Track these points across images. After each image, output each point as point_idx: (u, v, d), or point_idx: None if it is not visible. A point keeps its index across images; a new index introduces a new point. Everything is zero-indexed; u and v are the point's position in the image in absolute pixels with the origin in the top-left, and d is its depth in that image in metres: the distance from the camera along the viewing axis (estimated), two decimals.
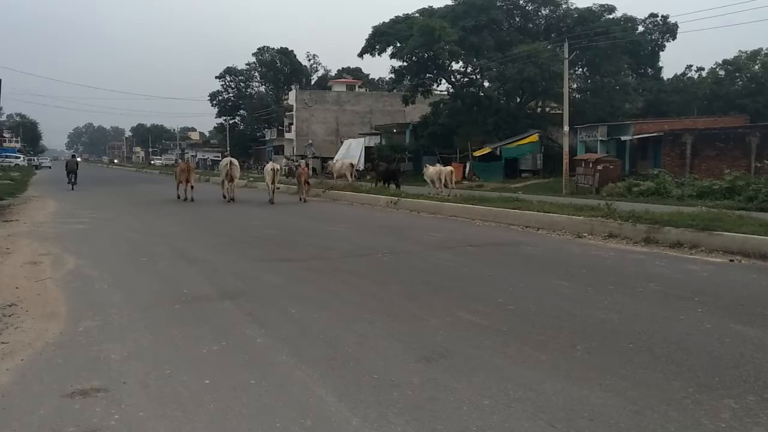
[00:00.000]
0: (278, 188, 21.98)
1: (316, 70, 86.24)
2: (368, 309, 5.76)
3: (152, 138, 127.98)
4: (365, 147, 48.18)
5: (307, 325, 5.24)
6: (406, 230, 12.50)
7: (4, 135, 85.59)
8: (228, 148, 72.87)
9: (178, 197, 21.05)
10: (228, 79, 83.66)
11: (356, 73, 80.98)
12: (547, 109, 44.86)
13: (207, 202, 20.55)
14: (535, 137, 36.57)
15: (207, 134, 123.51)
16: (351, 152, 48.52)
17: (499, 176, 35.98)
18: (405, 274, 7.56)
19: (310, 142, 56.08)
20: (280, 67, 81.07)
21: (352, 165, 30.91)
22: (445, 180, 22.41)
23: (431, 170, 23.63)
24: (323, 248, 9.73)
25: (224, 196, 21.13)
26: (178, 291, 6.54)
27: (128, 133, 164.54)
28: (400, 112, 58.56)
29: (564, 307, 5.85)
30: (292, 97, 70.28)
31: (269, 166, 21.63)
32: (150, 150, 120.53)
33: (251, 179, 31.80)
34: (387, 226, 13.16)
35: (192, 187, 21.01)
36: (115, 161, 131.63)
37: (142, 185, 26.74)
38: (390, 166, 30.20)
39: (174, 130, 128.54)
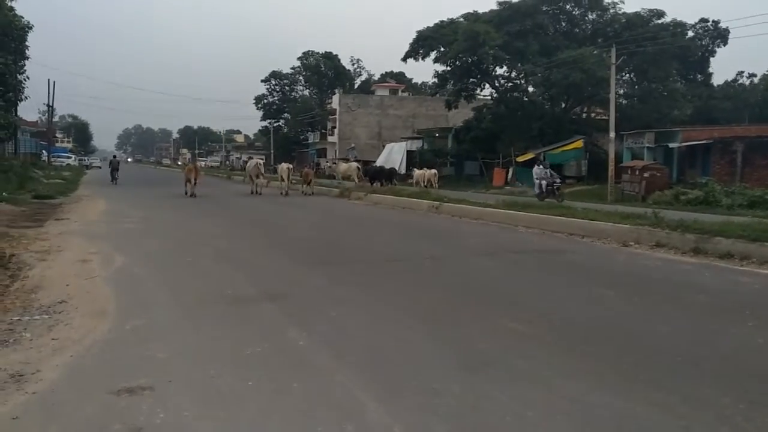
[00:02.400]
0: (291, 183, 26.57)
1: (360, 74, 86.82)
2: (409, 314, 5.73)
3: (198, 140, 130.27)
4: (407, 151, 48.22)
5: (348, 328, 5.25)
6: (447, 235, 12.44)
7: (57, 135, 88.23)
8: (272, 151, 73.80)
9: (186, 193, 23.33)
10: (273, 82, 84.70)
11: (399, 77, 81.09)
12: (593, 115, 44.22)
13: (247, 204, 20.95)
14: (579, 143, 36.04)
15: (252, 137, 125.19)
16: (393, 156, 48.59)
17: None
18: (446, 279, 7.51)
19: (352, 145, 56.37)
20: (324, 71, 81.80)
21: (358, 168, 31.57)
22: (429, 181, 28.73)
23: (417, 173, 30.90)
24: (364, 251, 9.75)
25: (252, 191, 25.88)
26: (222, 291, 6.62)
27: (175, 135, 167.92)
28: (443, 117, 58.39)
29: (609, 317, 5.73)
30: (335, 101, 70.82)
31: (284, 165, 26.92)
32: (196, 152, 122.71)
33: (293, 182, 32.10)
34: (428, 231, 13.12)
35: (195, 184, 23.44)
36: (164, 161, 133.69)
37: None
38: (383, 168, 31.93)
39: (220, 132, 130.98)
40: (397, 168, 43.64)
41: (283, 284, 7.09)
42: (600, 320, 5.60)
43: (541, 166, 24.07)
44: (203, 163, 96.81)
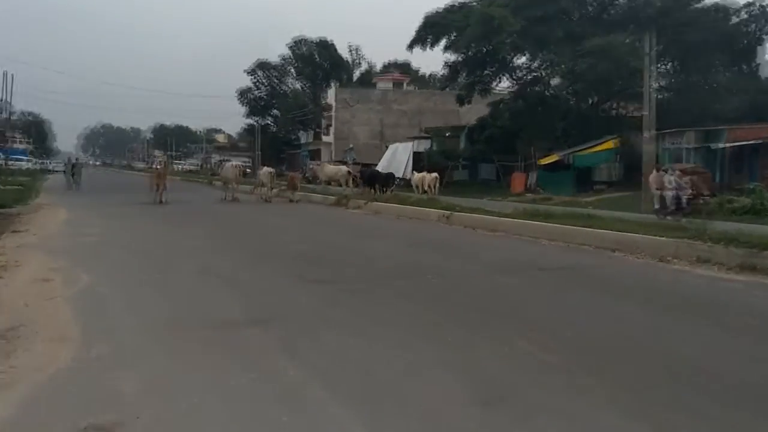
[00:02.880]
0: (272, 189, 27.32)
1: (359, 65, 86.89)
2: (414, 338, 5.75)
3: (174, 140, 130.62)
4: (413, 152, 48.27)
5: (344, 354, 5.27)
6: (459, 248, 12.45)
7: (15, 136, 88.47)
8: (258, 152, 73.91)
9: (155, 201, 23.84)
10: (260, 74, 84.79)
11: (404, 68, 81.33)
12: (625, 112, 44.26)
13: (227, 212, 21.04)
14: (610, 143, 36.08)
15: (235, 137, 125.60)
16: (397, 158, 48.61)
17: (569, 188, 35.56)
18: (457, 298, 7.53)
19: (350, 146, 56.41)
20: (318, 62, 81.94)
21: (349, 173, 31.71)
22: (429, 186, 28.80)
23: (416, 176, 31.12)
24: (364, 267, 9.77)
25: (226, 197, 26.55)
26: (201, 313, 6.64)
27: (147, 135, 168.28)
28: (454, 113, 58.47)
29: (642, 341, 5.74)
30: (331, 96, 70.96)
31: (266, 170, 28.12)
32: (172, 153, 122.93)
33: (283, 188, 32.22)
34: (437, 243, 13.13)
35: (164, 189, 24.24)
36: (137, 164, 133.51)
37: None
38: (378, 173, 32.08)
39: (199, 131, 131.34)
40: (401, 172, 43.76)
41: (270, 305, 7.11)
42: (631, 346, 5.61)
43: (671, 173, 21.20)
44: (180, 166, 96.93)
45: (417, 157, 47.18)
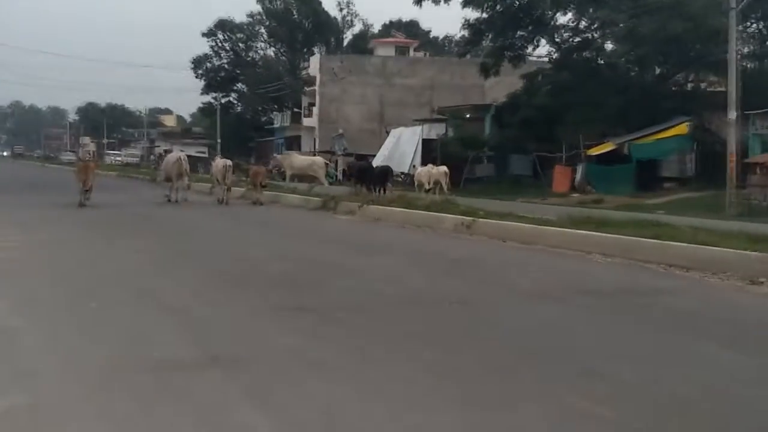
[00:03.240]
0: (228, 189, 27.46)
1: (351, 25, 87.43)
2: (428, 389, 5.70)
3: (108, 123, 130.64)
4: (423, 140, 48.27)
5: (333, 409, 5.23)
6: (485, 268, 12.43)
7: None
8: (218, 140, 73.93)
9: (80, 204, 24.13)
10: (221, 37, 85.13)
11: (411, 28, 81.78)
12: (703, 86, 44.30)
13: (176, 218, 21.37)
14: (684, 128, 36.10)
15: (188, 119, 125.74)
16: (401, 147, 48.70)
17: (628, 186, 35.59)
18: (485, 335, 7.50)
19: (340, 131, 56.55)
20: (297, 21, 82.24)
21: (327, 163, 32.11)
22: (437, 183, 29.21)
23: (421, 171, 31.47)
24: (359, 292, 9.75)
25: (170, 199, 26.90)
26: (145, 354, 6.60)
27: (72, 117, 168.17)
28: (477, 89, 58.71)
29: (732, 391, 5.70)
30: (314, 65, 71.22)
31: (221, 162, 28.48)
32: (104, 141, 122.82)
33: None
34: (456, 261, 13.11)
35: (88, 190, 24.47)
36: (66, 156, 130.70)
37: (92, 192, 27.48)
38: (369, 164, 31.91)
39: (140, 112, 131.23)
40: (407, 165, 43.81)
41: (236, 342, 7.07)
42: (717, 396, 5.58)
43: None
44: (115, 158, 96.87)
45: (427, 146, 47.26)
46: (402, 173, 43.82)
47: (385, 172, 31.09)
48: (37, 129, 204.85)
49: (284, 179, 34.90)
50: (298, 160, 34.40)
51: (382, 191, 28.50)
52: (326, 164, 33.15)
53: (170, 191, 27.32)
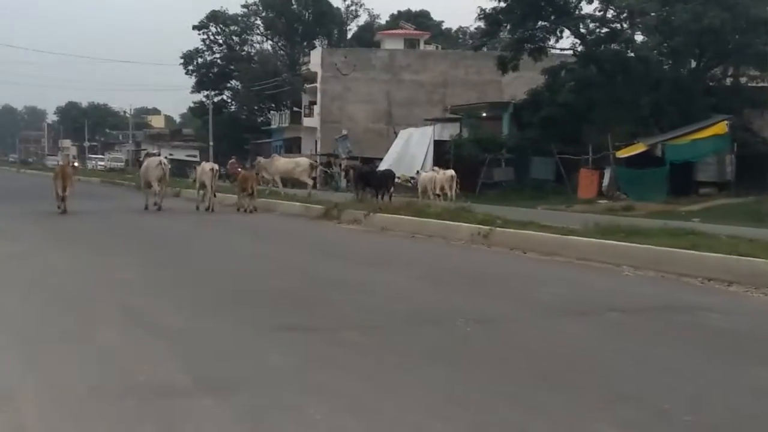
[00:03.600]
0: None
1: (356, 16, 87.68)
2: (441, 416, 5.66)
3: (90, 125, 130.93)
4: (434, 141, 48.31)
5: None
6: (504, 282, 12.39)
7: None
8: (210, 142, 74.14)
9: (58, 209, 25.19)
10: (213, 30, 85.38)
11: (421, 19, 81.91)
12: (744, 80, 44.21)
13: (161, 227, 21.53)
14: (722, 127, 36.00)
15: (177, 119, 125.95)
16: (411, 150, 48.79)
17: (661, 191, 35.49)
18: (505, 356, 7.45)
19: (344, 132, 56.65)
20: (296, 12, 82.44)
21: (312, 166, 32.40)
22: (443, 188, 29.97)
23: (424, 175, 32.41)
24: (365, 310, 9.71)
25: (148, 206, 27.61)
26: (131, 378, 6.57)
27: (51, 118, 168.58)
28: (494, 85, 58.81)
29: None
30: (315, 60, 71.36)
31: (207, 166, 29.12)
32: (85, 145, 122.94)
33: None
34: (473, 275, 13.08)
35: (64, 197, 25.28)
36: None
37: (73, 201, 27.57)
38: (372, 168, 32.22)
39: (125, 112, 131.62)
40: (419, 168, 43.80)
41: (230, 364, 7.04)
42: (765, 423, 5.52)
43: None
44: (101, 164, 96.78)
45: (439, 148, 47.34)
46: (412, 178, 43.80)
47: (388, 177, 31.29)
48: (12, 131, 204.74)
49: (269, 184, 35.30)
50: (281, 162, 35.03)
51: (384, 197, 28.67)
52: (312, 165, 33.42)
53: (148, 198, 27.94)
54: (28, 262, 14.14)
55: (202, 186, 28.47)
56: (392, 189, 31.14)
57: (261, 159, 41.27)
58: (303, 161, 34.85)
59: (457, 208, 23.66)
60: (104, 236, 19.37)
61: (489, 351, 7.71)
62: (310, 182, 33.27)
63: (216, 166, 29.41)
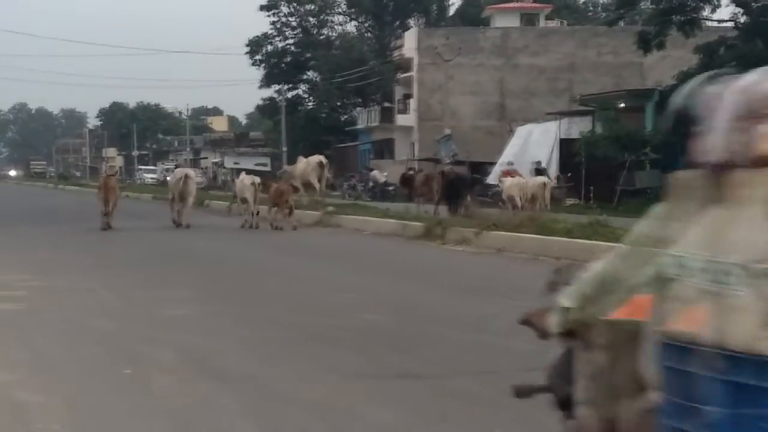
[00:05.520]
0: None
1: None
2: None
3: (138, 129, 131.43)
4: (560, 139, 47.89)
5: None
6: None
7: None
8: (284, 147, 74.18)
9: (102, 228, 27.71)
10: (285, 11, 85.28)
11: None
12: None
13: (233, 251, 22.00)
14: None
15: (243, 120, 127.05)
16: (531, 150, 48.38)
17: None
18: None
19: (447, 132, 56.24)
20: None
21: (320, 164, 32.87)
22: (534, 197, 30.95)
23: (511, 183, 32.87)
24: (479, 351, 9.74)
25: (175, 221, 30.03)
26: None
27: (93, 123, 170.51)
28: (634, 68, 58.21)
29: None
30: (410, 43, 71.06)
31: (248, 179, 30.64)
32: (133, 153, 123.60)
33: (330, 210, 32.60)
34: None
35: (108, 212, 28.07)
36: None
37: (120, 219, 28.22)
38: (458, 178, 33.14)
39: (180, 113, 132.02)
40: (544, 171, 43.54)
41: (317, 423, 7.13)
42: None
43: None
44: (152, 176, 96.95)
45: (566, 148, 46.76)
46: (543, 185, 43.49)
47: (470, 182, 31.55)
48: (47, 139, 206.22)
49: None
50: (299, 165, 35.84)
51: (459, 207, 28.92)
52: (320, 164, 33.85)
53: (174, 213, 30.68)
54: (72, 300, 14.35)
55: (243, 201, 30.09)
56: (469, 198, 31.43)
57: (288, 168, 41.92)
58: (312, 159, 35.63)
59: (591, 223, 23.42)
60: (153, 263, 19.63)
61: None
62: (317, 185, 33.83)
63: (258, 179, 30.79)
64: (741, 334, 2.61)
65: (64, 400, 7.90)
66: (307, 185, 34.54)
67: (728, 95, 2.91)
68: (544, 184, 31.41)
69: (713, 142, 2.85)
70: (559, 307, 3.64)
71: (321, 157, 36.26)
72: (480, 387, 8.12)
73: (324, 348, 10.01)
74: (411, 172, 44.25)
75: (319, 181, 34.41)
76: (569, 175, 43.75)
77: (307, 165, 35.02)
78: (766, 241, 2.60)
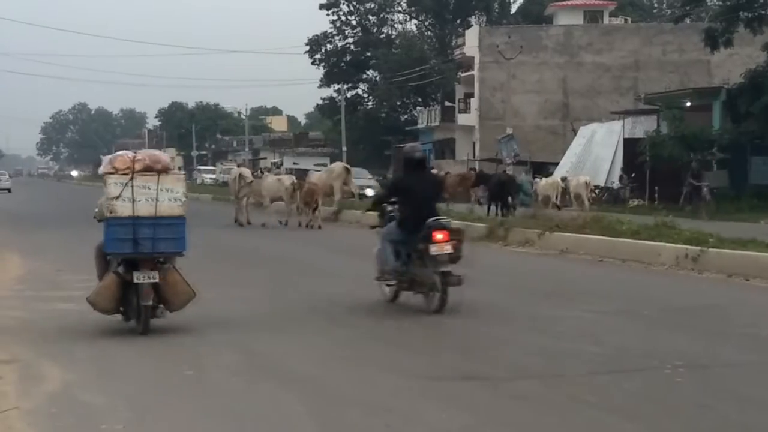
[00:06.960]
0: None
1: None
2: None
3: (197, 129, 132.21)
4: (624, 139, 47.73)
5: None
6: (721, 317, 12.21)
7: None
8: (343, 147, 74.51)
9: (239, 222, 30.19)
10: (345, 9, 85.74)
11: None
12: None
13: (294, 251, 21.78)
14: None
15: (302, 120, 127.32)
16: (594, 151, 48.29)
17: None
18: (723, 412, 7.35)
19: (509, 131, 56.20)
20: None
21: (293, 184, 32.86)
22: (578, 197, 32.32)
23: (546, 183, 34.66)
24: (546, 354, 9.69)
25: (236, 220, 32.20)
26: None
27: (152, 123, 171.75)
28: (700, 66, 57.80)
29: None
30: (471, 42, 71.04)
31: (287, 179, 32.88)
32: (192, 154, 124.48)
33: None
34: (680, 309, 12.90)
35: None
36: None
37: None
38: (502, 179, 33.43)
39: (239, 113, 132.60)
40: (603, 174, 43.43)
41: (382, 426, 7.09)
42: None
43: None
44: (211, 177, 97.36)
45: (631, 148, 46.53)
46: (596, 187, 43.23)
47: (506, 184, 31.68)
48: (107, 139, 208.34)
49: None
50: (320, 175, 36.34)
51: (505, 210, 29.10)
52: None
53: (238, 213, 32.25)
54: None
55: (290, 201, 31.50)
56: (514, 200, 31.63)
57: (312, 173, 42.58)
58: (335, 166, 37.97)
59: (658, 225, 23.28)
60: (216, 262, 19.75)
61: (702, 404, 7.57)
62: (338, 194, 34.75)
63: (295, 180, 32.40)
64: None
65: (127, 401, 7.95)
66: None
67: None
68: (586, 184, 31.83)
69: None
70: None
71: (343, 164, 37.38)
72: (546, 390, 8.09)
73: (386, 348, 10.03)
74: (471, 172, 44.47)
75: (346, 184, 34.74)
76: (633, 175, 43.55)
77: (330, 173, 35.41)
78: None
